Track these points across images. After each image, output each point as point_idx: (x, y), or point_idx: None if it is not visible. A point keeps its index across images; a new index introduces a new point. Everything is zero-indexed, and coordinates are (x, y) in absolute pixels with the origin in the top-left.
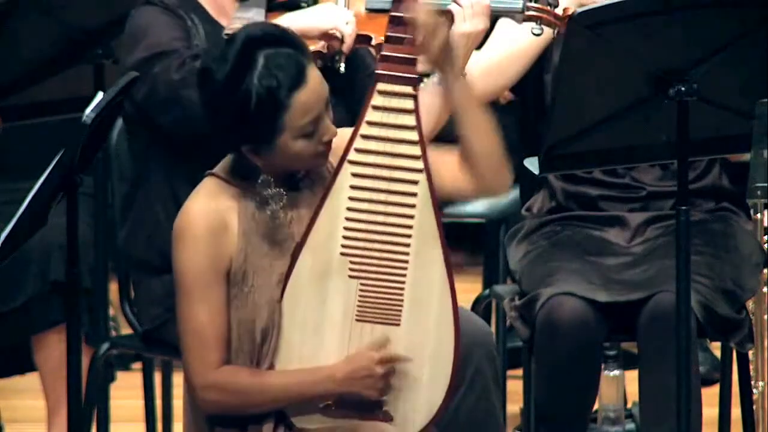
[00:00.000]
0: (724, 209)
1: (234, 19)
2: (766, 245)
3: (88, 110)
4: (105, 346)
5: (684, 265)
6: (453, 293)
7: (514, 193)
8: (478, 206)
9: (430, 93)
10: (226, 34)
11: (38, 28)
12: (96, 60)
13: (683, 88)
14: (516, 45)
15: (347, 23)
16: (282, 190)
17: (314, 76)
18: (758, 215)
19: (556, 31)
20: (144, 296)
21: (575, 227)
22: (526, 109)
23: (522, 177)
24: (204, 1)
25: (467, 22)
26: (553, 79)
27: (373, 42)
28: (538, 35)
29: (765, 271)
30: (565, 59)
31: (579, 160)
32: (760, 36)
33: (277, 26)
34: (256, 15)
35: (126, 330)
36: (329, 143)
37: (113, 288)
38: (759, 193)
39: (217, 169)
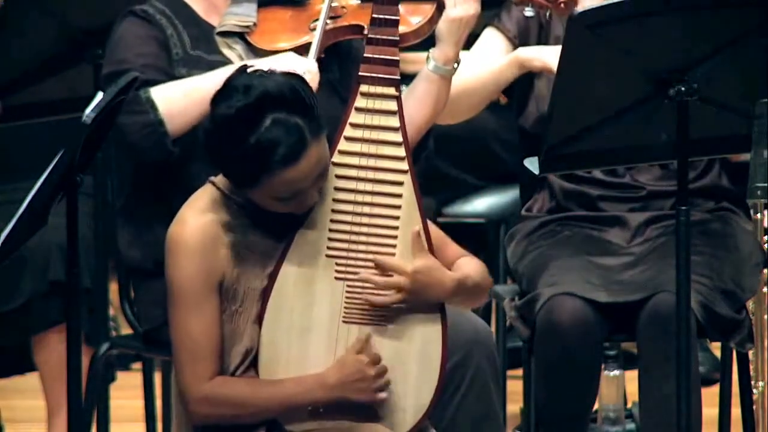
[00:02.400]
0: (724, 209)
1: (226, 16)
2: (766, 245)
3: (88, 110)
4: (105, 346)
5: (684, 265)
6: None
7: (514, 193)
8: (478, 206)
9: (425, 80)
10: (218, 33)
11: (38, 28)
12: (96, 60)
13: (683, 88)
14: (488, 72)
15: (305, 72)
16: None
17: (311, 156)
18: (758, 215)
19: (548, 15)
20: (144, 297)
21: (575, 227)
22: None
23: (522, 177)
24: (191, 1)
25: (458, 7)
26: (554, 79)
27: (365, 32)
28: (530, 17)
29: (765, 271)
30: (565, 59)
31: (579, 160)
32: (760, 36)
33: (296, 89)
34: (247, 10)
35: (126, 330)
36: (307, 207)
37: (113, 288)
38: (759, 193)
39: (217, 179)
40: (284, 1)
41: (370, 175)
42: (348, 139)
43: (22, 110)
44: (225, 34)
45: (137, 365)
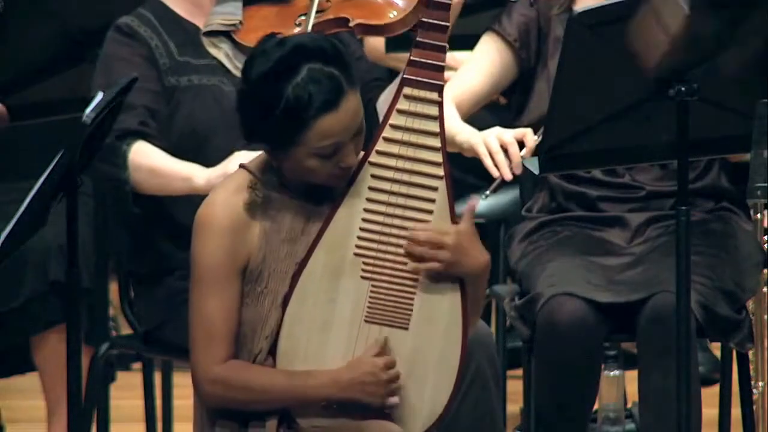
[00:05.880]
0: (724, 209)
1: (211, 15)
2: (766, 245)
3: (88, 110)
4: (105, 346)
5: (684, 265)
6: (464, 302)
7: (514, 193)
8: (478, 206)
9: None
10: (204, 33)
11: (38, 28)
12: (96, 60)
13: (683, 88)
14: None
15: None
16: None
17: (349, 105)
18: (758, 215)
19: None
20: (143, 300)
21: (575, 227)
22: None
23: (522, 177)
24: (174, 4)
25: None
26: (554, 80)
27: (351, 24)
28: (515, 1)
29: (765, 271)
30: (565, 59)
31: (579, 160)
32: (760, 36)
33: (331, 42)
34: (233, 9)
35: (126, 330)
36: (347, 169)
37: (113, 288)
38: (759, 193)
39: (248, 164)
40: None
41: (406, 177)
42: (387, 140)
43: (22, 110)
44: (211, 33)
45: (137, 365)
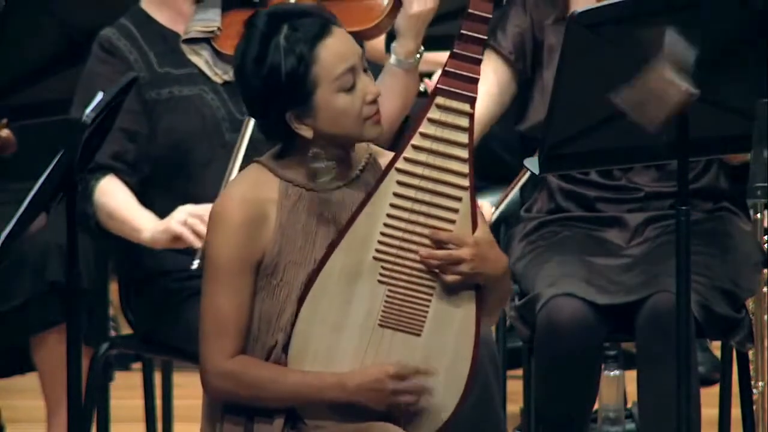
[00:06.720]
0: (723, 209)
1: (191, 23)
2: (766, 245)
3: (88, 110)
4: (105, 346)
5: (684, 265)
6: (478, 311)
7: (514, 193)
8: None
9: (390, 74)
10: (184, 41)
11: (38, 28)
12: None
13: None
14: None
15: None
16: (332, 163)
17: (340, 31)
18: (758, 215)
19: None
20: (139, 304)
21: (575, 228)
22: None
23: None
24: (156, 12)
25: (415, 3)
26: (554, 79)
27: None
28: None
29: (765, 271)
30: (565, 59)
31: (579, 160)
32: (760, 36)
33: (300, 3)
34: (213, 15)
35: (126, 330)
36: (375, 104)
37: (113, 288)
38: (759, 193)
39: (263, 158)
40: (246, 3)
41: (431, 186)
42: (415, 147)
43: (22, 110)
44: (191, 41)
45: (137, 365)
